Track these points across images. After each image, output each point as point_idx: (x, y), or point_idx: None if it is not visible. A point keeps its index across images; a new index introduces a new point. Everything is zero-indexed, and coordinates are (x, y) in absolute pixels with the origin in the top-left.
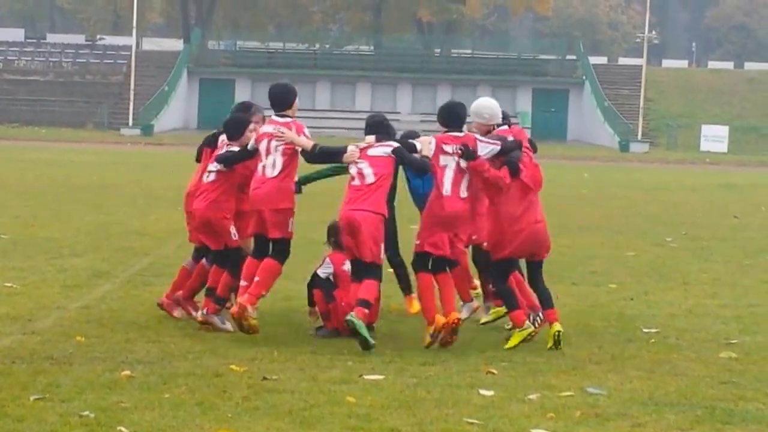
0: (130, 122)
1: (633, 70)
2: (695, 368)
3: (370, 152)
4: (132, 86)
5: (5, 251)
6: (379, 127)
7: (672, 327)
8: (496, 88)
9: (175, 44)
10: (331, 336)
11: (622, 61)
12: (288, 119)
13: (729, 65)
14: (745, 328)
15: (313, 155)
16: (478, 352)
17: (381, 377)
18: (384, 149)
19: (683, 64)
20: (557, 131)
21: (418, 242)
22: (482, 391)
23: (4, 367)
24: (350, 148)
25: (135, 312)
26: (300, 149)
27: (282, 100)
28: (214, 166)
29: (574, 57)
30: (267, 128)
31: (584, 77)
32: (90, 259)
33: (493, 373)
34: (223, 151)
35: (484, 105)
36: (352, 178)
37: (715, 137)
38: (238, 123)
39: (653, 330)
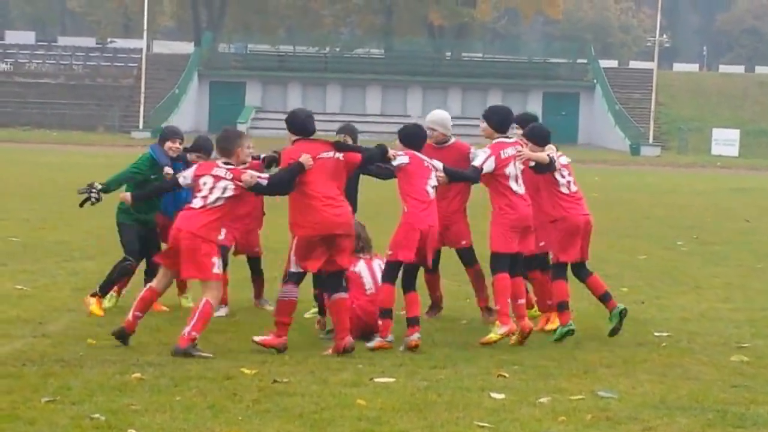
0: (141, 125)
1: (644, 73)
2: (707, 372)
3: (562, 160)
4: (142, 89)
5: (15, 254)
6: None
7: (684, 331)
8: (507, 92)
9: (186, 47)
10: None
11: (633, 64)
12: (512, 138)
13: (740, 69)
14: (756, 332)
15: (550, 166)
16: (489, 355)
17: (391, 380)
18: (566, 157)
19: (694, 67)
20: (568, 135)
21: (552, 255)
22: (493, 395)
23: (15, 370)
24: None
25: (146, 315)
26: (533, 163)
27: (510, 122)
28: (434, 181)
29: (584, 60)
30: (509, 151)
31: (595, 81)
32: (101, 262)
33: (504, 377)
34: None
35: (448, 117)
36: (558, 185)
37: (726, 141)
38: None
39: (665, 334)
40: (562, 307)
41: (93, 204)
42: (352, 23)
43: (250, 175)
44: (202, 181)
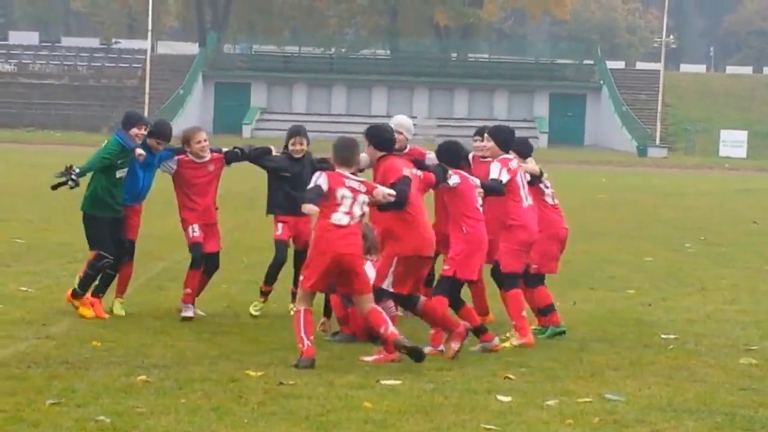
0: None
1: (651, 74)
2: (714, 374)
3: None
4: (147, 90)
5: (19, 255)
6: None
7: (690, 333)
8: (513, 93)
9: (191, 48)
10: (348, 341)
11: (640, 65)
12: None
13: (748, 70)
14: (764, 334)
15: (540, 176)
16: (496, 357)
17: (398, 382)
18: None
19: (701, 68)
20: (574, 136)
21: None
22: (500, 397)
23: (20, 372)
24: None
25: (151, 316)
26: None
27: (512, 141)
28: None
29: (591, 61)
30: (513, 163)
31: (602, 82)
32: None
33: (511, 379)
34: None
35: (411, 123)
36: (544, 194)
37: (734, 142)
38: None
39: (671, 336)
40: (548, 311)
41: (71, 188)
42: (357, 24)
43: (382, 194)
44: (339, 194)
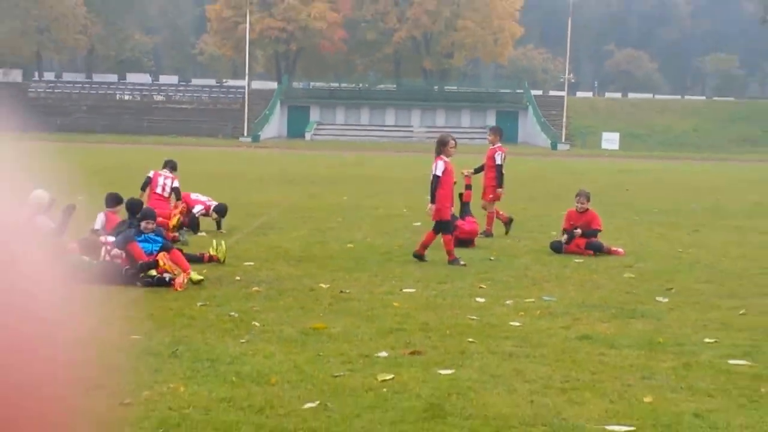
0: (245, 133)
1: (558, 99)
2: (607, 284)
3: None
4: (246, 111)
5: None
6: None
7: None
8: (473, 111)
9: (272, 85)
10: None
11: (552, 93)
12: None
13: (618, 95)
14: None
15: None
16: (473, 274)
17: (413, 290)
18: None
19: (589, 94)
20: (511, 137)
21: None
22: (477, 299)
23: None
24: None
25: (257, 251)
26: None
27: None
28: None
29: (521, 90)
30: None
31: (528, 104)
32: (227, 219)
33: (483, 288)
34: None
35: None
36: None
37: (610, 140)
38: None
39: (580, 260)
40: None
41: None
42: (375, 69)
43: None
44: None
